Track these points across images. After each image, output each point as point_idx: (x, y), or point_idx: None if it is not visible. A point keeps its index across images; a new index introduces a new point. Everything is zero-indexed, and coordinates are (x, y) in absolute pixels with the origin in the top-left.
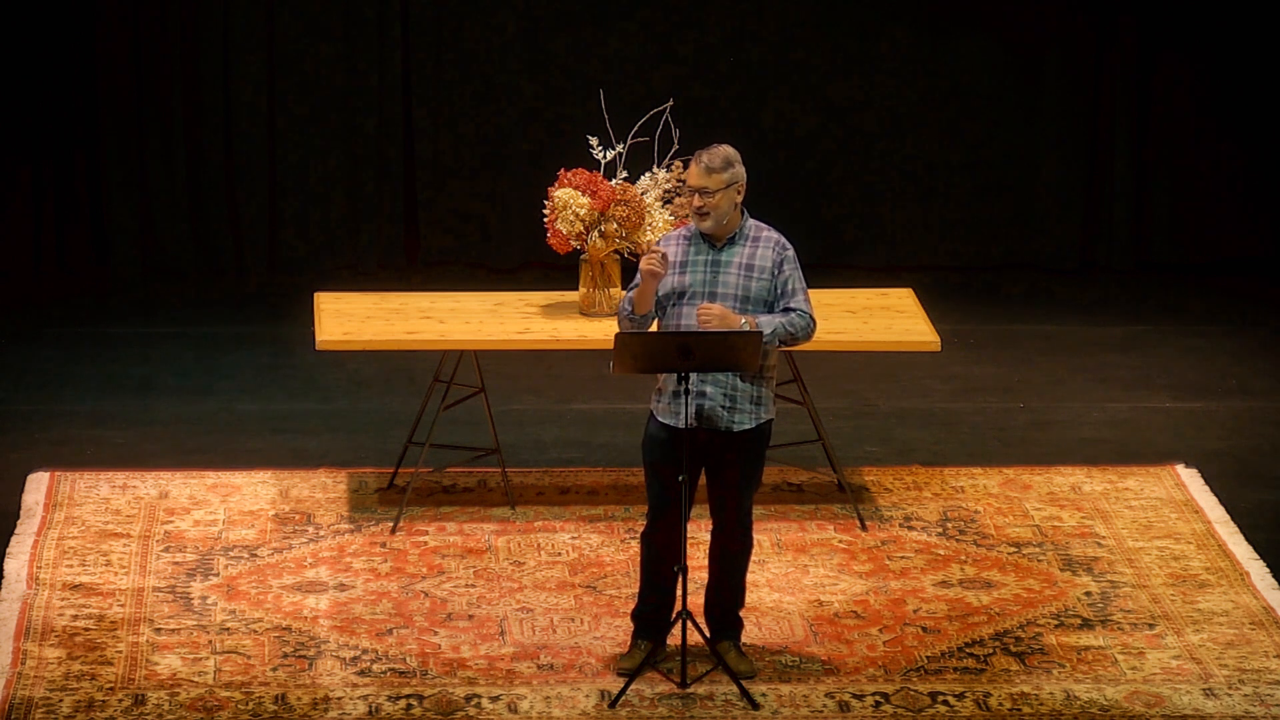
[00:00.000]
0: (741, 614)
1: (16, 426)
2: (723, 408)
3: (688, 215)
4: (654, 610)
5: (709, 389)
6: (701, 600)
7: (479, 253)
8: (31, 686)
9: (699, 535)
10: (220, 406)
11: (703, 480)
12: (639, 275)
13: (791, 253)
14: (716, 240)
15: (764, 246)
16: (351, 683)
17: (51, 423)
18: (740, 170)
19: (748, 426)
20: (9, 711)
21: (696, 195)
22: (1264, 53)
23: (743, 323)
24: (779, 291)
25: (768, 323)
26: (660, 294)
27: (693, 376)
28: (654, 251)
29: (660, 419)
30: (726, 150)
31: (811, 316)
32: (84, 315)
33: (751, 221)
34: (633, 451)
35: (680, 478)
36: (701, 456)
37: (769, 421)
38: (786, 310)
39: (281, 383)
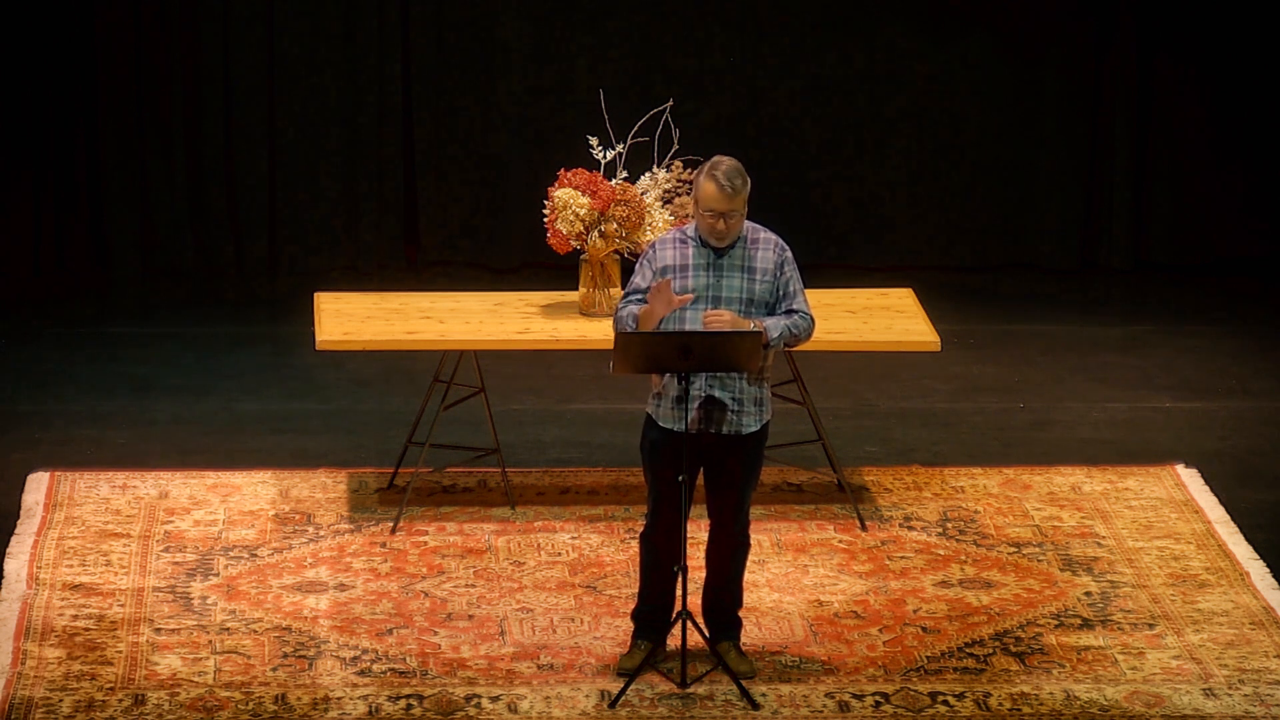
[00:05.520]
0: (741, 614)
1: (16, 426)
2: (731, 411)
3: (688, 215)
4: (654, 611)
5: (717, 392)
6: (700, 601)
7: (479, 253)
8: (31, 686)
9: (697, 535)
10: (220, 406)
11: (700, 480)
12: (648, 298)
13: (790, 253)
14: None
15: (764, 248)
16: (351, 683)
17: (51, 423)
18: (748, 180)
19: (754, 429)
20: (9, 711)
21: (719, 219)
22: (1264, 53)
23: (751, 327)
24: (780, 293)
25: (774, 326)
26: None
27: (701, 380)
28: (662, 283)
29: (662, 424)
30: (737, 164)
31: (812, 317)
32: (84, 315)
33: (747, 222)
34: (633, 452)
35: (680, 478)
36: (703, 458)
37: (769, 421)
38: (789, 312)
39: (281, 383)
